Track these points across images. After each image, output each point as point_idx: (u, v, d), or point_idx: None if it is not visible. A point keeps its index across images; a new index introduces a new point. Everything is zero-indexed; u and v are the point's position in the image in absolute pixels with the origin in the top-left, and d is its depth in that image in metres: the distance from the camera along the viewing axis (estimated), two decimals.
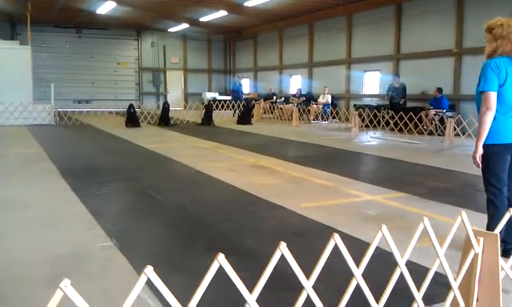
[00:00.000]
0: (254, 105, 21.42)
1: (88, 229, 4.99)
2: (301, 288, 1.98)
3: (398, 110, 15.53)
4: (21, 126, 17.15)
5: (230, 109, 22.96)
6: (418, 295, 2.38)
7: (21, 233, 4.90)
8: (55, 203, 6.18)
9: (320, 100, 20.97)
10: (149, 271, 1.57)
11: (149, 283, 1.60)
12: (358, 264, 2.12)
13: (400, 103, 16.29)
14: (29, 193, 6.75)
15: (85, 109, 22.63)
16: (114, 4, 20.67)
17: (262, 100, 23.25)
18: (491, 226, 3.87)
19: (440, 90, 15.31)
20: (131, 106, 17.91)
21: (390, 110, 16.89)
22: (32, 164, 9.23)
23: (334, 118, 19.50)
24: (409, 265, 2.63)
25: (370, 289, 2.19)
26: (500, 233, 2.86)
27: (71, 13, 23.45)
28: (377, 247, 2.26)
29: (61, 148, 12.11)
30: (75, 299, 1.46)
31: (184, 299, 1.75)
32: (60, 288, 1.42)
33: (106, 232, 4.82)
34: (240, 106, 20.89)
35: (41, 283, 3.60)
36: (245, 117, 19.31)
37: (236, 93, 24.96)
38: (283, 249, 1.87)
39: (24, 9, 19.82)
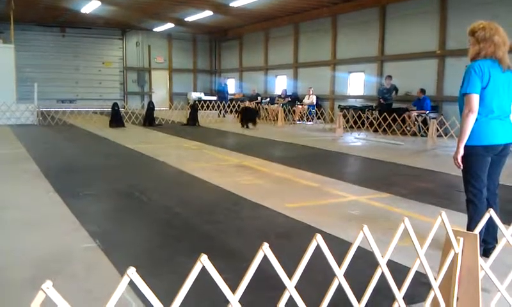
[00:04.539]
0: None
1: (71, 230, 4.95)
2: (284, 288, 1.99)
3: (389, 111, 15.66)
4: (3, 126, 16.90)
5: (216, 109, 22.96)
6: (399, 295, 2.41)
7: (3, 234, 4.84)
8: (38, 204, 6.11)
9: (306, 100, 21.07)
10: (132, 272, 1.57)
11: (132, 284, 1.60)
12: (340, 264, 2.15)
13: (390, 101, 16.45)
14: (11, 194, 6.67)
15: (69, 109, 22.39)
16: (99, 4, 20.50)
17: (247, 100, 23.29)
18: (471, 226, 3.93)
19: (423, 91, 15.47)
20: (115, 104, 17.70)
21: (374, 111, 17.05)
22: (14, 164, 9.12)
23: (319, 118, 19.61)
24: (391, 264, 2.67)
25: (353, 289, 2.22)
26: (480, 233, 2.91)
27: (55, 12, 23.21)
28: (360, 247, 2.29)
29: (44, 148, 11.96)
30: (57, 301, 1.45)
31: (167, 300, 1.75)
32: (42, 289, 1.42)
33: (90, 233, 4.78)
34: (226, 106, 20.85)
35: (24, 285, 3.56)
36: None
37: (221, 93, 24.97)
38: (265, 249, 1.88)
39: (7, 7, 19.53)
